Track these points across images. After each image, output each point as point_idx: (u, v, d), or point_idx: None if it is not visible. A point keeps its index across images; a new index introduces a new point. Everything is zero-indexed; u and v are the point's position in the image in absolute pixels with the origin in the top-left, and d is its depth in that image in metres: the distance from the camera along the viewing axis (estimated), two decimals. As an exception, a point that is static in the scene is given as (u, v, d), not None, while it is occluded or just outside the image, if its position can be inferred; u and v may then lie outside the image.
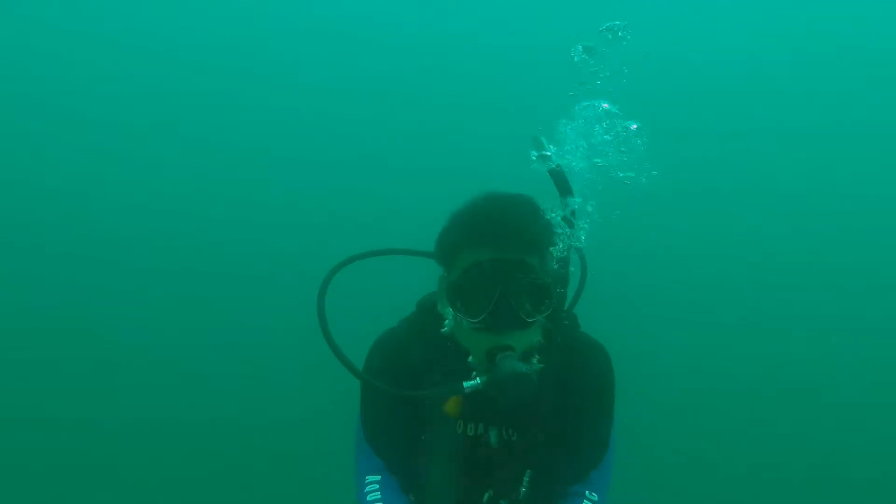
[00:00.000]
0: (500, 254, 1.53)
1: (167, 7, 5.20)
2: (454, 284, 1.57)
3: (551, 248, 1.60)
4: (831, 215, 5.02)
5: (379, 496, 1.64)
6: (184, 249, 4.89)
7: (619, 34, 1.86)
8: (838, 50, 5.00)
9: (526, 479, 1.71)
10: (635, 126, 1.76)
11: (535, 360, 1.59)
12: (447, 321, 1.65)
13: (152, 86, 5.09)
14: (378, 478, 1.68)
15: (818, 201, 5.04)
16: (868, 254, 4.96)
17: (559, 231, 1.61)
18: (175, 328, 4.68)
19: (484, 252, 1.54)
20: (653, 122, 1.75)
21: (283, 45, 5.28)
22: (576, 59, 1.79)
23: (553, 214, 1.60)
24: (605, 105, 1.75)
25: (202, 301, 4.80)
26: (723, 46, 5.12)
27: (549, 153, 1.62)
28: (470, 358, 1.60)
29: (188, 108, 5.09)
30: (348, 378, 1.73)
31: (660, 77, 4.09)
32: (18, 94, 4.94)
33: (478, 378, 1.53)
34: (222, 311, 4.78)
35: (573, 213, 1.61)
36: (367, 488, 1.66)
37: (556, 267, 1.62)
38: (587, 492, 1.72)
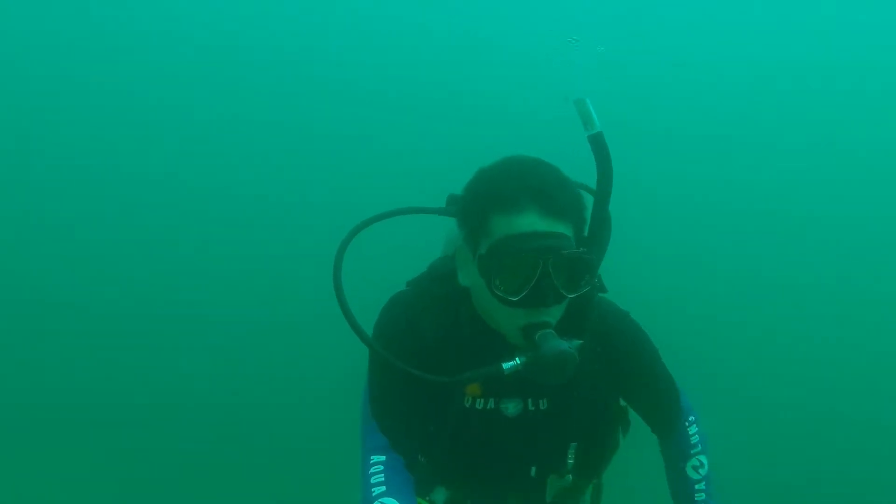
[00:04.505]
0: (539, 224, 1.39)
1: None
2: (488, 260, 1.42)
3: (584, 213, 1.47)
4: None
5: (382, 479, 1.53)
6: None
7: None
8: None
9: (571, 451, 1.67)
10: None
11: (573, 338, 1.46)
12: (472, 292, 1.53)
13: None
14: (383, 458, 1.56)
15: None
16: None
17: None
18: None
19: (523, 219, 1.39)
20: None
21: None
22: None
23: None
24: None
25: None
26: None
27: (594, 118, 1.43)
28: (503, 333, 1.49)
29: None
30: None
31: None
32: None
33: (517, 358, 1.42)
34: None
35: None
36: (372, 469, 1.55)
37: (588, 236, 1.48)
38: (685, 422, 1.78)
